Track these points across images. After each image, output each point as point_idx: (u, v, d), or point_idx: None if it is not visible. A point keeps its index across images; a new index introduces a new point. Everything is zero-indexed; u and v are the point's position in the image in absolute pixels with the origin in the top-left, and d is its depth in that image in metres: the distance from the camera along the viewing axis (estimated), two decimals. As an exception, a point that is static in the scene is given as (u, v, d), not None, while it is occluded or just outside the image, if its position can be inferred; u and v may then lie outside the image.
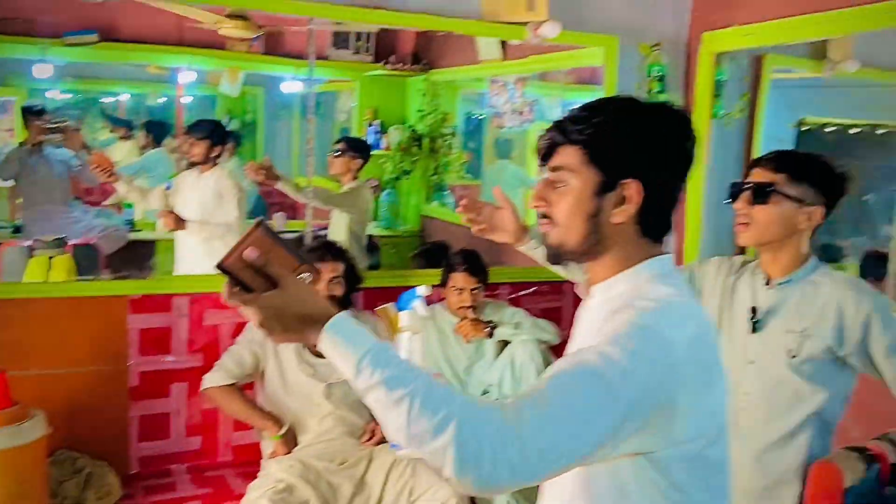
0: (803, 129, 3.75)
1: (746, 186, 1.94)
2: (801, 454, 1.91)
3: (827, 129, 3.67)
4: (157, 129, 5.10)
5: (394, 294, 1.85)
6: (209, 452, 3.03)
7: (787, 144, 3.72)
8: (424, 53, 5.21)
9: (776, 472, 1.94)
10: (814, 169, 1.92)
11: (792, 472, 1.92)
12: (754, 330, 1.96)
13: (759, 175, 1.94)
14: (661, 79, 3.34)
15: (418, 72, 5.13)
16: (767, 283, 1.99)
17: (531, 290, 3.46)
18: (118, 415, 2.87)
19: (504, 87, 4.48)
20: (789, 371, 1.91)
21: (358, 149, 4.16)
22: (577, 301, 3.47)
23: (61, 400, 2.73)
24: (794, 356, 1.90)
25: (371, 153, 4.41)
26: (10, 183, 4.22)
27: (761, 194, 1.91)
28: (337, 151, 4.13)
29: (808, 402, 1.91)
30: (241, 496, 2.61)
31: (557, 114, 4.47)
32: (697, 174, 3.40)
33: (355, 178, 4.13)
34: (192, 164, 3.68)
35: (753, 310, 1.97)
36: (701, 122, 3.36)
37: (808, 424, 1.91)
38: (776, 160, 1.94)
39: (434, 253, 3.78)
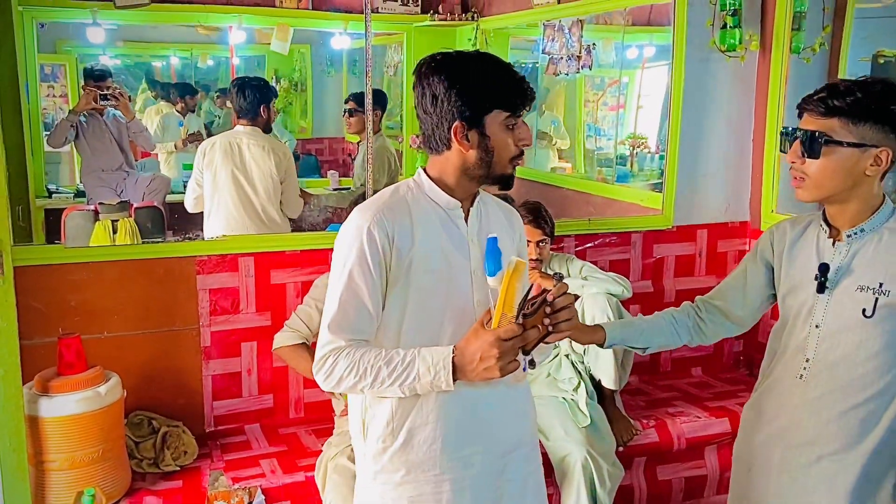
0: (880, 61, 3.55)
1: (794, 136, 1.71)
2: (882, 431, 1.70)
3: (907, 61, 3.47)
4: (184, 92, 5.05)
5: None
6: (281, 410, 3.02)
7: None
8: (473, 2, 5.09)
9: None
10: (875, 102, 1.63)
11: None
12: (822, 290, 1.76)
13: (809, 122, 1.69)
14: (735, 13, 3.15)
15: (467, 21, 5.01)
16: (834, 237, 1.78)
17: (596, 241, 3.36)
18: (192, 375, 2.88)
19: (559, 30, 4.34)
20: (863, 333, 1.70)
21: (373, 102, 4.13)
22: (646, 253, 3.39)
23: (134, 362, 2.74)
24: (868, 316, 1.69)
25: (386, 103, 4.43)
26: (66, 149, 4.24)
27: (812, 146, 1.66)
28: (348, 111, 4.17)
29: (886, 368, 1.69)
30: (315, 453, 2.62)
31: (613, 59, 4.32)
32: (773, 116, 3.25)
33: (377, 131, 4.08)
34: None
35: (822, 268, 1.75)
36: (778, 58, 3.19)
37: (885, 395, 1.70)
38: (825, 102, 1.66)
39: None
